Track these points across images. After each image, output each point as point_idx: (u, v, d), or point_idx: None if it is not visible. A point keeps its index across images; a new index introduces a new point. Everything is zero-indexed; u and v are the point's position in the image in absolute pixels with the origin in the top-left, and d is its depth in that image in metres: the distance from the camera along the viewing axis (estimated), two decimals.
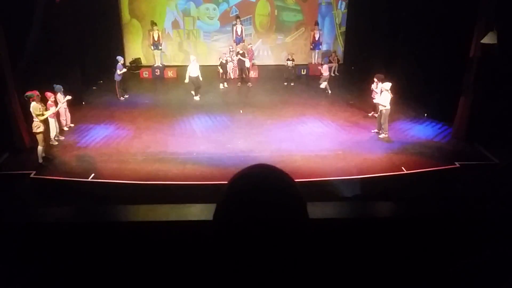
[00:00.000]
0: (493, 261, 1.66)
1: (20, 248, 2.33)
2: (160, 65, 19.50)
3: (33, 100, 10.89)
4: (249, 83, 18.12)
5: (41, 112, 10.93)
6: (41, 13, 12.82)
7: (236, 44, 18.79)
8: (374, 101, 13.19)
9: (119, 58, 15.76)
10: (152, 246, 2.33)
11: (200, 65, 16.03)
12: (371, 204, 3.10)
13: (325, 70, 16.35)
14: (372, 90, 13.44)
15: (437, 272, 2.07)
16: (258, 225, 1.15)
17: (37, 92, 11.01)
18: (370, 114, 14.30)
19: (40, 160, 11.10)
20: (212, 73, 18.18)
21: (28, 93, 10.93)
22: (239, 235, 1.17)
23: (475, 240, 2.23)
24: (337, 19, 20.71)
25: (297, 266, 1.19)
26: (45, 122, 11.34)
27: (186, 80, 16.00)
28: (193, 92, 16.30)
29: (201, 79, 16.20)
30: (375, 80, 13.29)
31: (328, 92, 16.47)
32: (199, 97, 16.21)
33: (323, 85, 16.32)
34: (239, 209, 1.19)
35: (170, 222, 2.43)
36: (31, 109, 10.87)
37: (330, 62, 19.93)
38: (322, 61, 17.32)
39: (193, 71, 15.91)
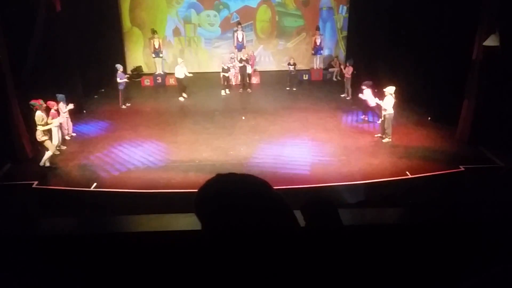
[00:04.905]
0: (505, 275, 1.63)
1: (22, 259, 2.28)
2: (162, 73, 19.51)
3: (37, 109, 10.84)
4: (249, 89, 18.14)
5: (44, 122, 10.87)
6: (43, 22, 12.84)
7: (238, 51, 18.81)
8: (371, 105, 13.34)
9: (118, 66, 15.78)
10: (155, 257, 2.28)
11: (201, 72, 16.11)
12: (376, 211, 3.07)
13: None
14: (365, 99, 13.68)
15: (445, 279, 2.02)
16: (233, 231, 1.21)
17: (40, 101, 10.96)
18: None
19: (42, 164, 11.05)
20: (213, 80, 18.21)
21: (32, 102, 10.89)
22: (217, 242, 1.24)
23: (483, 244, 2.21)
24: (338, 24, 20.72)
25: (290, 273, 1.21)
26: (49, 131, 11.32)
27: (173, 81, 17.16)
28: (180, 95, 16.97)
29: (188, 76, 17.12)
30: (363, 87, 13.60)
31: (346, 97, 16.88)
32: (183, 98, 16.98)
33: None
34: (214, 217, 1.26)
35: (173, 232, 2.39)
36: (35, 118, 10.82)
37: (331, 67, 19.96)
38: (347, 62, 17.28)
39: (178, 73, 16.78)
